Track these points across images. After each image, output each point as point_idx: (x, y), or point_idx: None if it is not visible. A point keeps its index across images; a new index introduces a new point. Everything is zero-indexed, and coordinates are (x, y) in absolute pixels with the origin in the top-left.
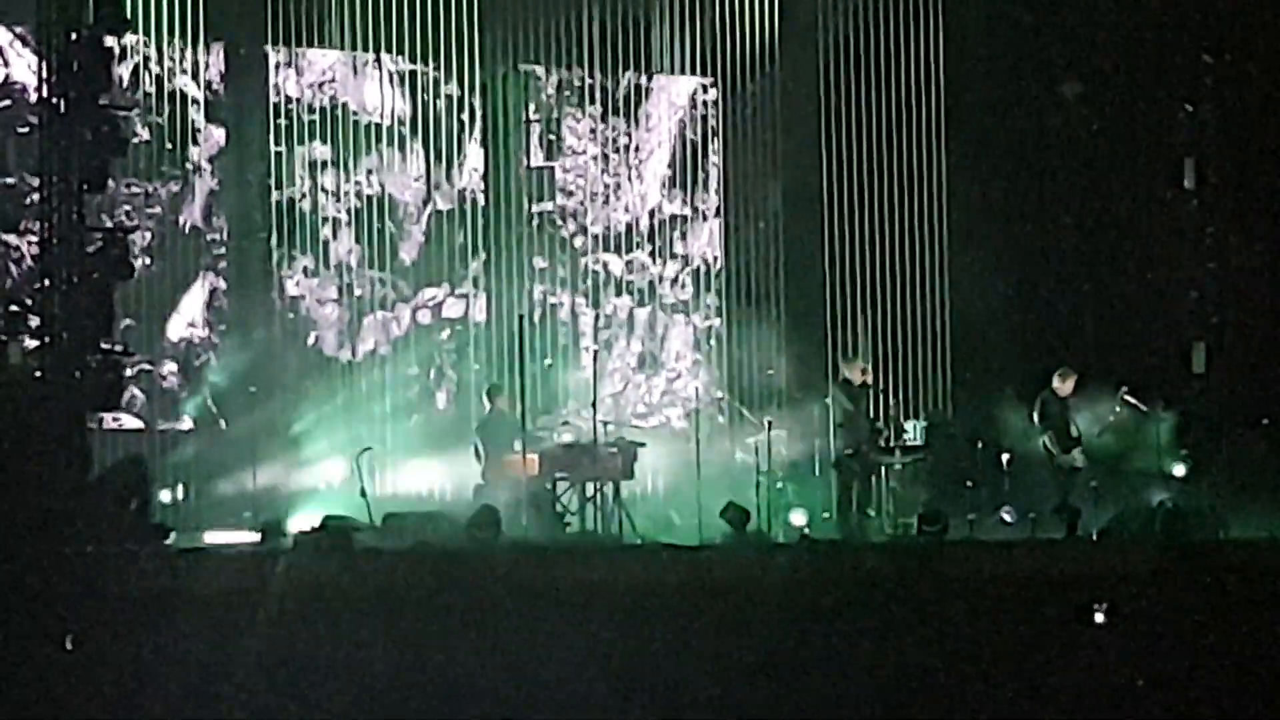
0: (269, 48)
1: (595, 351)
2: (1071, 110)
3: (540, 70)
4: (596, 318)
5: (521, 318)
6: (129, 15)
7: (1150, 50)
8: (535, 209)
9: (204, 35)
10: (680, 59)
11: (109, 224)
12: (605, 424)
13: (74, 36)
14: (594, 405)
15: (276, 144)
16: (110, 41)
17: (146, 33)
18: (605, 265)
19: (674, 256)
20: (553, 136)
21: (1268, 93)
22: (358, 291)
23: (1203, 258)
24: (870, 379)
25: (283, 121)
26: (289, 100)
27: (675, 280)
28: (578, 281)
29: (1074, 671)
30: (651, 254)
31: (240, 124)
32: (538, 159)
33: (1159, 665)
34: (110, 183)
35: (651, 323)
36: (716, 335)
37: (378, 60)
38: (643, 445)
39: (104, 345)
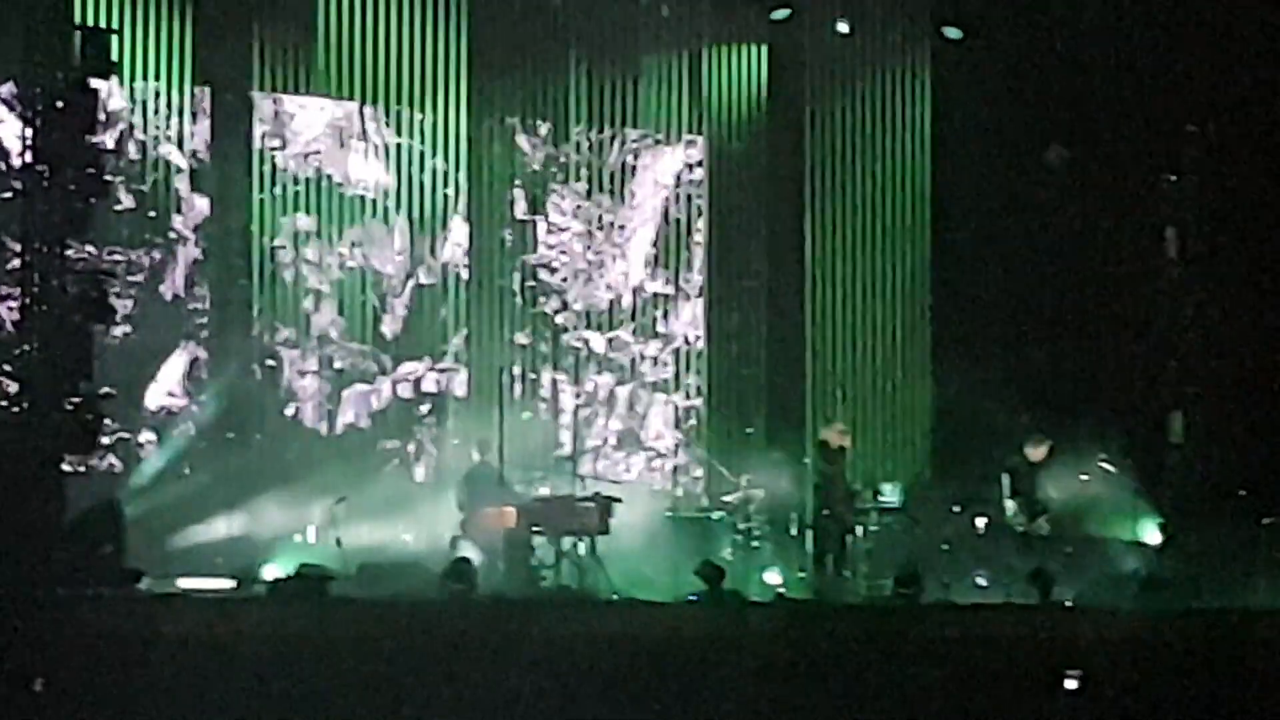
0: (256, 94)
1: (576, 407)
2: (1056, 178)
3: (527, 146)
4: (577, 395)
5: (502, 370)
6: (115, 58)
7: (1135, 120)
8: (518, 284)
9: (191, 79)
10: (668, 119)
11: (89, 264)
12: (582, 479)
13: (60, 77)
14: (572, 460)
15: (260, 215)
16: (96, 83)
17: (132, 77)
18: (587, 342)
19: (656, 335)
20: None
21: (1251, 164)
22: (338, 364)
23: (1183, 327)
24: (848, 441)
25: (268, 192)
26: (275, 170)
27: (656, 359)
28: (559, 358)
29: None
30: (633, 332)
31: (225, 193)
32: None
33: None
34: (93, 225)
35: (632, 401)
36: (697, 414)
37: (364, 132)
38: (619, 500)
39: (82, 388)
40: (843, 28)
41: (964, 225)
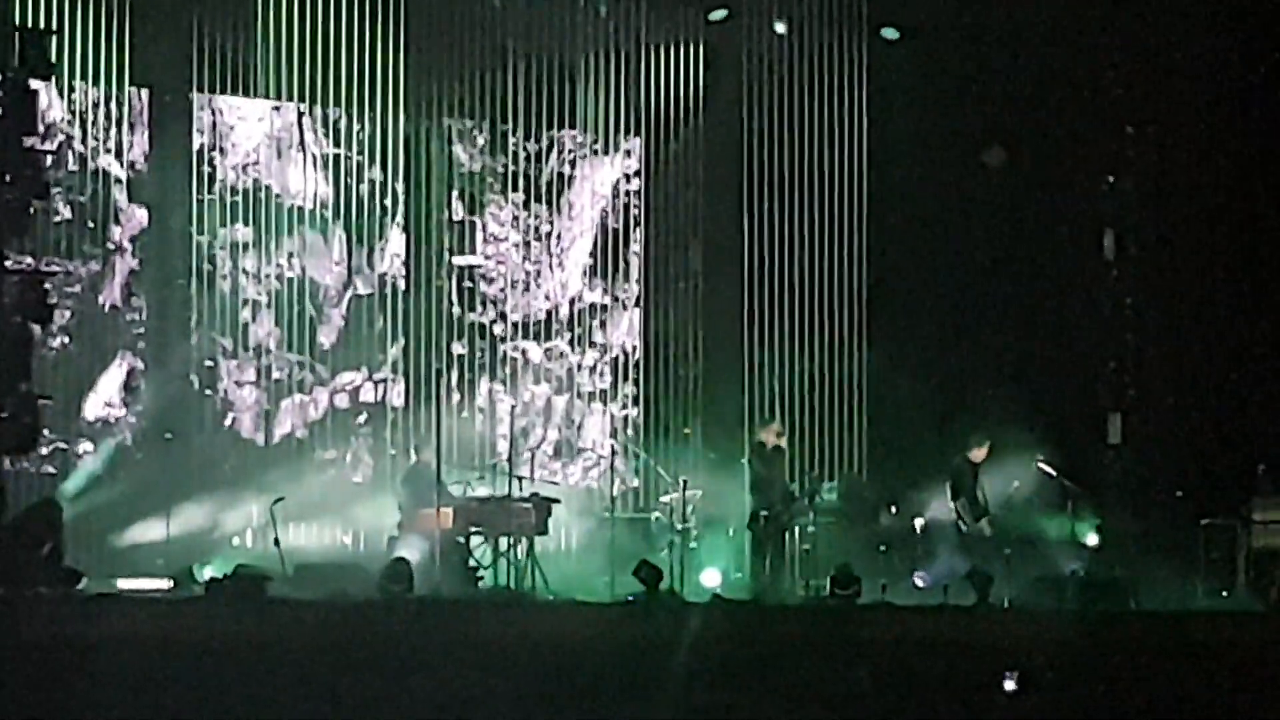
0: (194, 95)
1: (512, 406)
2: (994, 179)
3: (464, 156)
4: (513, 407)
5: (439, 371)
6: (54, 60)
7: (1073, 121)
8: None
9: (129, 79)
10: (605, 116)
11: (28, 266)
12: (519, 480)
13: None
14: (509, 460)
15: (199, 226)
16: (36, 84)
17: (71, 76)
18: (524, 352)
19: (593, 345)
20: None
21: (1188, 166)
22: (276, 375)
23: (1121, 329)
24: (784, 442)
25: (205, 203)
26: (212, 182)
27: (593, 369)
28: (496, 368)
29: None
30: (570, 342)
31: (162, 204)
32: (460, 258)
33: None
34: (33, 231)
35: (569, 411)
36: (634, 424)
37: (301, 143)
38: (557, 501)
39: (21, 389)
40: (780, 28)
41: (901, 226)
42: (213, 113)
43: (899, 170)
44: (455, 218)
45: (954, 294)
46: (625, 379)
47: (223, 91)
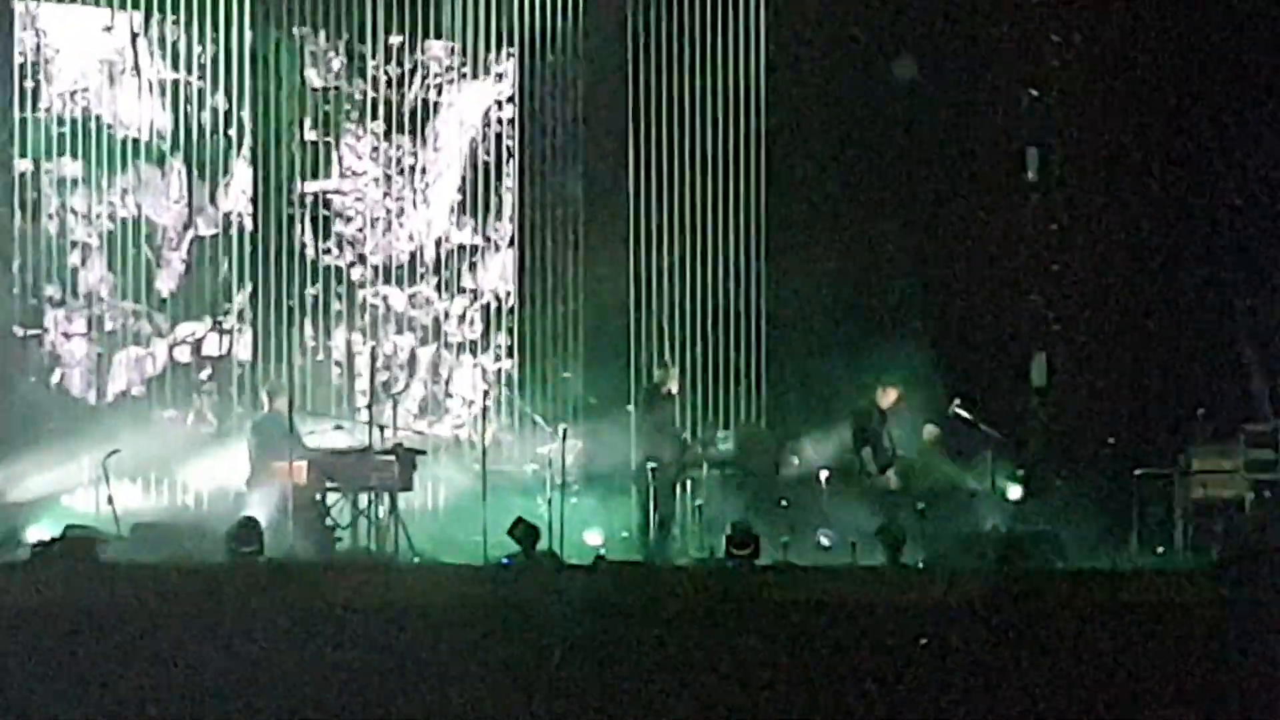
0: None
1: (372, 347)
2: (903, 93)
3: (318, 80)
4: (374, 357)
5: (292, 309)
6: None
7: (992, 28)
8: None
9: None
10: (476, 28)
11: None
12: (381, 428)
13: None
14: (369, 408)
15: (21, 148)
16: None
17: None
18: (385, 299)
19: (462, 290)
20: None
21: (1118, 76)
22: (109, 325)
23: (1045, 258)
24: (676, 385)
25: (30, 122)
26: (36, 100)
27: (463, 317)
28: (354, 317)
29: (894, 709)
30: (437, 287)
31: None
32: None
33: (987, 704)
34: None
35: (436, 364)
36: (508, 377)
37: (136, 67)
38: (422, 454)
39: None
40: None
41: (802, 147)
42: (36, 34)
43: (800, 85)
44: (308, 138)
45: (860, 222)
46: (499, 328)
47: None
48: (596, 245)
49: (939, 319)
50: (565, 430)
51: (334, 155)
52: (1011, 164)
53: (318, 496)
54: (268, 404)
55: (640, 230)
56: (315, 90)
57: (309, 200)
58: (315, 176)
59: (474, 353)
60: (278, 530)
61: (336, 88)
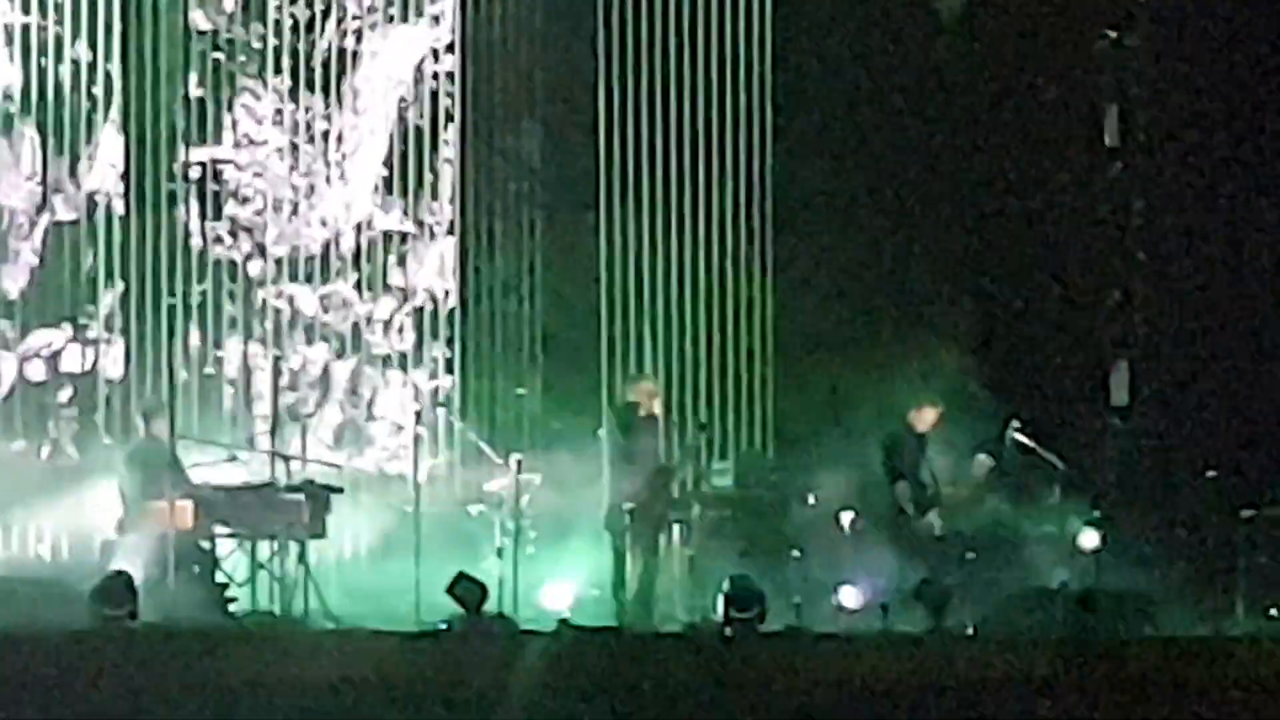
0: None
1: (275, 360)
2: (948, 39)
3: (204, 21)
4: (276, 372)
5: (174, 312)
6: None
7: None
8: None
9: None
10: None
11: None
12: (287, 460)
13: None
14: (271, 435)
15: None
16: None
17: None
18: (292, 301)
19: (389, 290)
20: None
21: (1218, 13)
22: None
23: (1128, 246)
24: (659, 405)
25: None
26: None
27: (389, 323)
28: (252, 323)
29: None
30: (357, 286)
31: None
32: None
33: None
34: None
35: (356, 381)
36: (446, 397)
37: None
38: (339, 491)
39: None
40: None
41: (820, 108)
42: None
43: (816, 30)
44: (193, 95)
45: (893, 201)
46: (435, 336)
47: None
48: (558, 231)
49: (988, 320)
50: (519, 462)
51: (226, 118)
52: (1084, 126)
53: (206, 545)
54: (143, 430)
55: (613, 212)
56: (202, 34)
57: (195, 175)
58: (203, 145)
59: (404, 367)
60: (156, 588)
61: (229, 32)
